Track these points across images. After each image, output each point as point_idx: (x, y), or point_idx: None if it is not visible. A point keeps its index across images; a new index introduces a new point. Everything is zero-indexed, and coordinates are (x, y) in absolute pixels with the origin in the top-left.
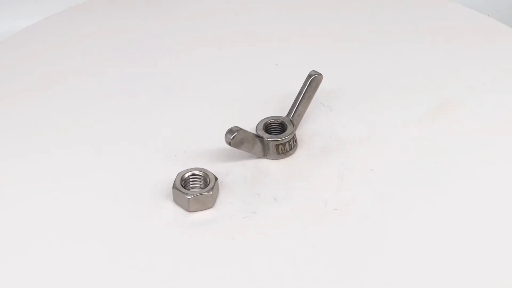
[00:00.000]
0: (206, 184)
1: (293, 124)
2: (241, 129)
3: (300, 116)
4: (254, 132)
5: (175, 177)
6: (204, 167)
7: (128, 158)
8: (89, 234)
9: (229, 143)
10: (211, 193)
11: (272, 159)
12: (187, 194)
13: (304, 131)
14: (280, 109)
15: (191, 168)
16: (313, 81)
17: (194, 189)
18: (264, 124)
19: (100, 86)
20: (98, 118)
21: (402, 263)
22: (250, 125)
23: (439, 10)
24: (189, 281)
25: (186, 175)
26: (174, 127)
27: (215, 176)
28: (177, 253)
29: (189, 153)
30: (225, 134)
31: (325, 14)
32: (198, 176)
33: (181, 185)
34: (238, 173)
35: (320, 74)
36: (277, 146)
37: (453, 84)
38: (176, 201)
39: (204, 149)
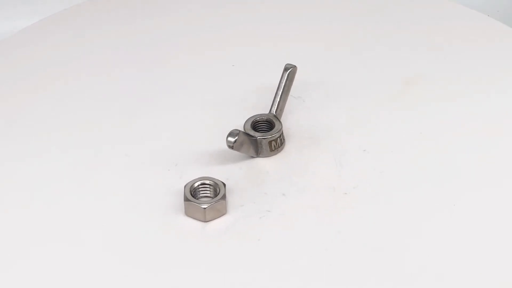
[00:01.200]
0: (215, 192)
1: (278, 119)
2: (240, 131)
3: (282, 110)
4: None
5: (184, 189)
6: (206, 175)
7: (126, 169)
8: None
9: (232, 147)
10: (224, 199)
11: (266, 157)
12: (202, 204)
13: (286, 124)
14: (254, 106)
15: (198, 178)
16: (290, 73)
17: (205, 198)
18: (252, 123)
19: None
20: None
21: (432, 234)
22: (233, 126)
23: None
24: None
25: (196, 185)
26: (158, 136)
27: (222, 182)
28: (208, 264)
29: (182, 162)
30: (227, 138)
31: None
32: (207, 185)
33: (192, 195)
34: (238, 176)
35: (295, 66)
36: (269, 143)
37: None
38: (189, 213)
39: (194, 155)
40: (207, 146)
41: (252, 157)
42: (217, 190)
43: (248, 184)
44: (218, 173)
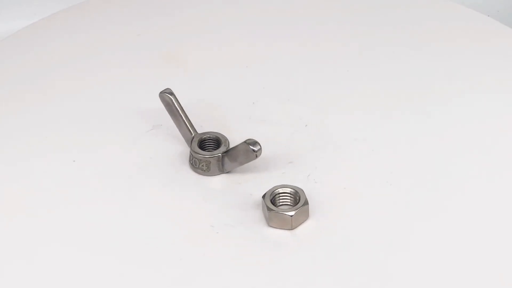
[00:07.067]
0: (295, 199)
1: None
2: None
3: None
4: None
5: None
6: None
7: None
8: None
9: (260, 154)
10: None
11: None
12: (307, 205)
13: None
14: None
15: (278, 186)
16: (173, 95)
17: (284, 206)
18: (199, 141)
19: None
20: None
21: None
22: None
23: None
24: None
25: (276, 192)
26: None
27: (294, 186)
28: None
29: (164, 193)
30: (256, 149)
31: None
32: (286, 194)
33: (275, 205)
34: (251, 189)
35: (169, 88)
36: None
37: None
38: (290, 224)
39: (172, 188)
40: (171, 177)
41: (228, 172)
42: (297, 197)
43: (268, 185)
44: (220, 200)
